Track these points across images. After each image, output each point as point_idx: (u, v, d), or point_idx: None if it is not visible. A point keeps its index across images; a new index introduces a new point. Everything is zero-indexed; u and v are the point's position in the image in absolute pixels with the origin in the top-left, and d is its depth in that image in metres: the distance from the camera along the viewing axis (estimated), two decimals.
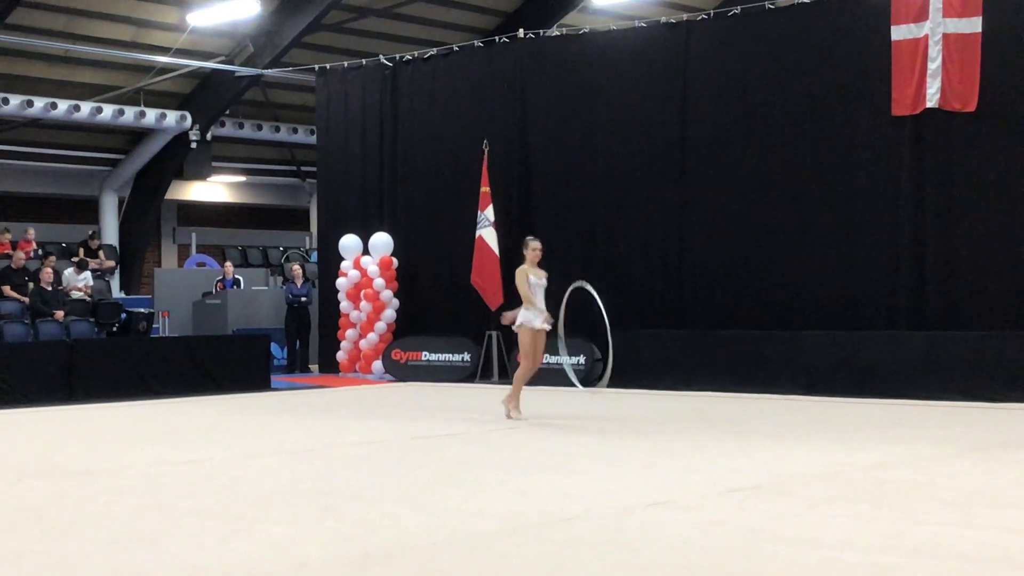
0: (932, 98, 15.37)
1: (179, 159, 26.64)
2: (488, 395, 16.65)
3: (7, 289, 19.54)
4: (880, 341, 15.44)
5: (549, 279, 12.82)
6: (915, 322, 15.53)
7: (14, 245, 22.79)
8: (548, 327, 12.51)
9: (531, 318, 12.41)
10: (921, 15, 15.42)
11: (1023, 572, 5.62)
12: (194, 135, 25.71)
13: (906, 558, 5.88)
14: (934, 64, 15.33)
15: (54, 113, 23.71)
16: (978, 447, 10.38)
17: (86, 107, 24.01)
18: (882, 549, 6.09)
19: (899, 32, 15.61)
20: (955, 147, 15.40)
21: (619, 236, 18.03)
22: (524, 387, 12.75)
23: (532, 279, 12.52)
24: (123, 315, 20.54)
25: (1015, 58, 15.04)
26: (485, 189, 18.59)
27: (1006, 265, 15.02)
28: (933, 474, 8.76)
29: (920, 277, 15.60)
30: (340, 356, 20.35)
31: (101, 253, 25.05)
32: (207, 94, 25.89)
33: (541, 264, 12.80)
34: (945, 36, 15.26)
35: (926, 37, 15.38)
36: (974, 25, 15.10)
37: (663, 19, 18.26)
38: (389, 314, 19.90)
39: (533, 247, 12.73)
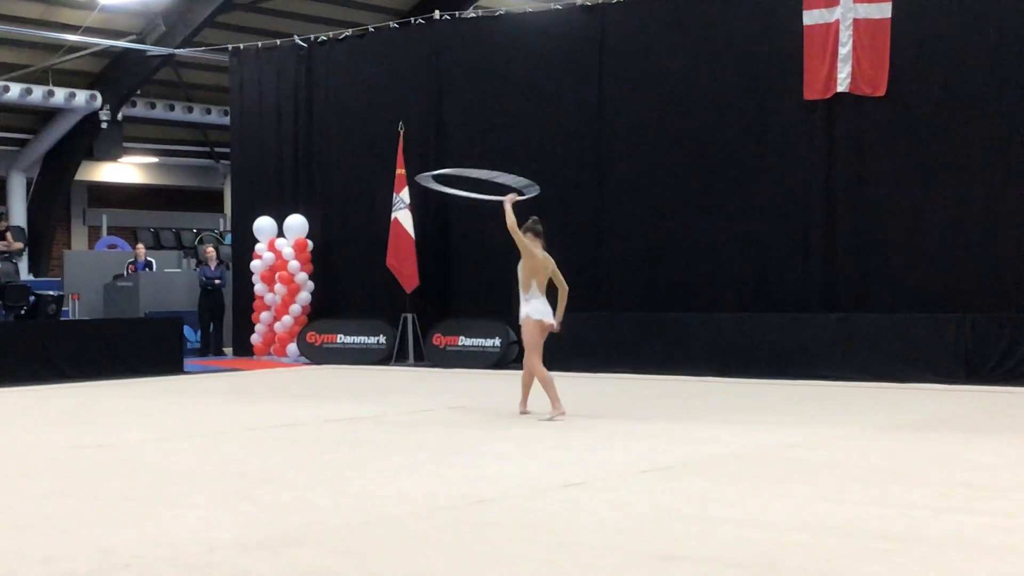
0: (843, 82, 15.57)
1: (89, 139, 26.22)
2: (404, 378, 16.63)
3: None
4: (793, 323, 15.64)
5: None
6: (827, 304, 15.74)
7: None
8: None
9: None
10: (832, 0, 15.60)
11: (927, 547, 5.74)
12: (104, 115, 25.28)
13: (815, 535, 5.98)
14: (845, 49, 15.52)
15: None
16: (887, 426, 10.57)
17: None
18: (791, 527, 6.18)
19: (811, 17, 15.77)
20: (865, 131, 15.63)
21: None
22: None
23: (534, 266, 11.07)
24: (31, 298, 20.14)
25: (924, 44, 15.28)
26: (401, 171, 18.51)
27: (914, 247, 15.27)
28: (843, 453, 8.91)
29: (831, 259, 15.81)
30: (255, 339, 20.18)
31: (8, 235, 24.59)
32: (118, 73, 25.46)
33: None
34: (856, 21, 15.46)
35: (837, 22, 15.57)
36: (884, 11, 15.31)
37: (579, 2, 18.27)
38: (304, 296, 19.78)
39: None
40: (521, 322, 11.21)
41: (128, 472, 8.30)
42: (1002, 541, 5.87)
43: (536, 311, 11.06)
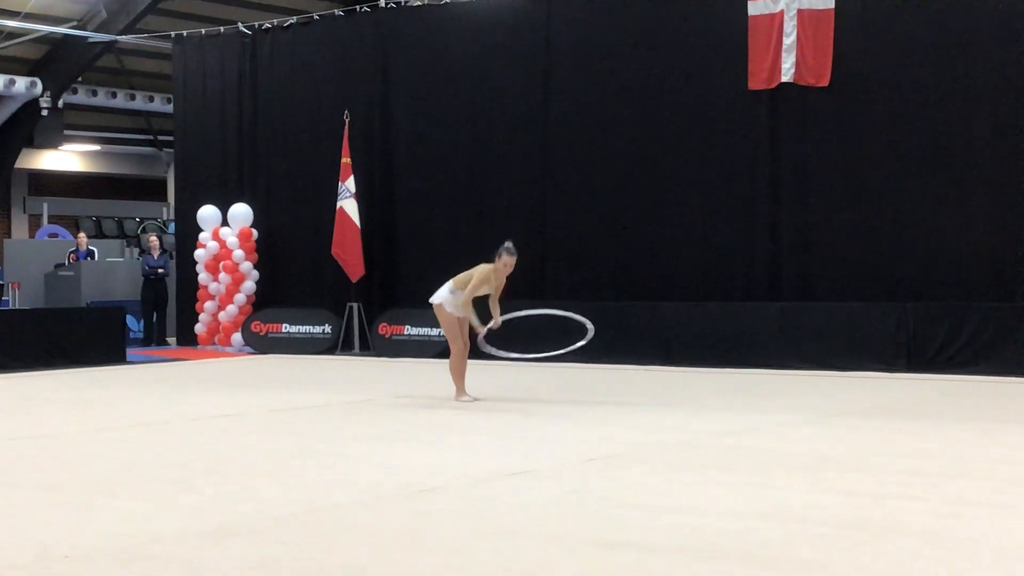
0: (787, 72, 15.68)
1: (29, 127, 25.93)
2: (349, 367, 16.59)
3: None
4: (737, 311, 15.75)
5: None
6: (771, 293, 15.87)
7: None
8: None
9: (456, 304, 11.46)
10: None
11: (867, 533, 5.79)
12: (45, 102, 25.00)
13: (757, 521, 6.02)
14: (789, 39, 15.63)
15: None
16: (827, 414, 10.66)
17: None
18: (731, 513, 6.23)
19: (756, 7, 15.87)
20: (809, 121, 15.75)
21: (482, 208, 18.05)
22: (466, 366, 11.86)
23: (485, 289, 11.44)
24: None
25: (867, 34, 15.42)
26: (346, 160, 18.45)
27: (856, 236, 15.43)
28: (784, 441, 8.98)
29: (775, 249, 15.94)
30: (199, 328, 20.05)
31: None
32: (59, 60, 25.18)
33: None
34: (800, 12, 15.57)
35: (781, 12, 15.67)
36: (827, 1, 15.43)
37: None
38: (248, 286, 19.67)
39: (507, 262, 11.32)
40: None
41: (69, 463, 8.22)
42: (940, 527, 5.94)
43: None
